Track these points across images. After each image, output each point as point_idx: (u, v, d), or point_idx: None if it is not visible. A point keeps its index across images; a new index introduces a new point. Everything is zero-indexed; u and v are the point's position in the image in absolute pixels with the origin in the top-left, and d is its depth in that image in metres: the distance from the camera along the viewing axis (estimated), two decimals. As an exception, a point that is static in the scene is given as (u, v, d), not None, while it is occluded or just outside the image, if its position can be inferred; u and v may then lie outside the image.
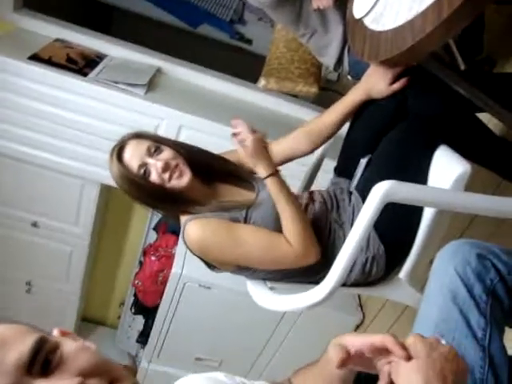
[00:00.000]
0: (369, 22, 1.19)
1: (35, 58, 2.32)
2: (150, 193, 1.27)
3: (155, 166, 1.23)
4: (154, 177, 1.23)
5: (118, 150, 1.26)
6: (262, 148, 1.24)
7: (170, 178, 1.24)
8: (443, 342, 0.66)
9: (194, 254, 1.30)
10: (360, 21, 1.25)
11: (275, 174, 1.25)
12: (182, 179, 1.25)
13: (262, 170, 1.25)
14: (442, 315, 0.85)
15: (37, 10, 2.61)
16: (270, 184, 1.25)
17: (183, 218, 1.29)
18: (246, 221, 1.28)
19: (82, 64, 2.41)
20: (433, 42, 0.87)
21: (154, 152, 1.25)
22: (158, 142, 1.29)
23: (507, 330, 0.90)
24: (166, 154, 1.26)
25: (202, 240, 1.24)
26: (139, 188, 1.26)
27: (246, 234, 1.25)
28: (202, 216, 1.25)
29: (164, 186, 1.25)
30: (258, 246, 1.25)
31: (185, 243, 1.28)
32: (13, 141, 2.49)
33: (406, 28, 0.92)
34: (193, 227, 1.24)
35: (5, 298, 3.37)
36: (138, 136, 1.30)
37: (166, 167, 1.23)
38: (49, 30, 2.55)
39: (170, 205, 1.31)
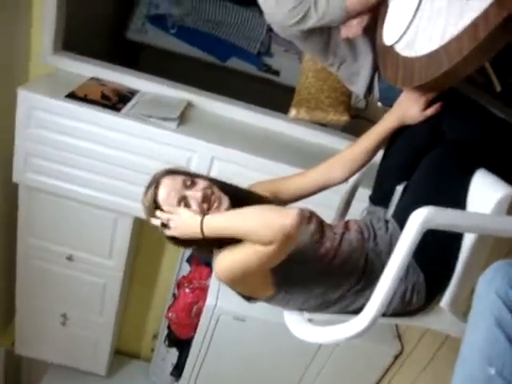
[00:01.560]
0: (400, 49, 1.19)
1: (72, 96, 2.40)
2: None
3: (194, 196, 1.22)
4: (194, 208, 1.22)
5: (154, 190, 1.25)
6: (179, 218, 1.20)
7: (209, 207, 1.23)
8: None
9: (228, 286, 1.28)
10: (391, 47, 1.26)
11: (201, 220, 1.18)
12: (222, 206, 1.24)
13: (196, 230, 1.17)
14: (488, 342, 0.81)
15: (74, 51, 2.71)
16: (208, 228, 1.17)
17: (215, 253, 1.27)
18: None
19: (116, 100, 2.48)
20: (469, 65, 0.86)
21: (190, 185, 1.25)
22: (191, 175, 1.29)
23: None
24: (202, 184, 1.26)
25: (227, 265, 1.19)
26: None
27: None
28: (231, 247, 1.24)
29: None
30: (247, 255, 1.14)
31: (216, 276, 1.26)
32: (50, 176, 2.56)
33: (441, 52, 0.91)
34: (219, 259, 1.21)
35: (40, 329, 3.41)
36: (171, 172, 1.29)
37: (205, 197, 1.23)
38: (84, 70, 2.64)
39: (206, 243, 1.25)
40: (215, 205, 1.23)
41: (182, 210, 1.21)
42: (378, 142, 1.42)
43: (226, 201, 1.25)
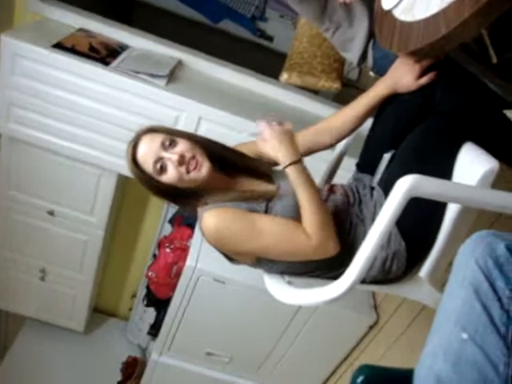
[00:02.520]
0: (398, 13, 1.17)
1: (59, 46, 2.33)
2: (168, 190, 1.25)
3: (170, 159, 1.21)
4: (170, 171, 1.21)
5: (133, 148, 1.24)
6: (285, 137, 1.22)
7: (188, 170, 1.21)
8: None
9: (212, 245, 1.28)
10: (389, 12, 1.23)
11: (297, 162, 1.21)
12: (201, 171, 1.22)
13: (283, 159, 1.21)
14: (464, 309, 0.83)
15: (63, 0, 2.62)
16: (292, 172, 1.20)
17: (200, 209, 1.27)
18: (266, 212, 1.25)
19: (105, 54, 2.41)
20: (468, 29, 0.84)
21: (168, 145, 1.22)
22: (172, 135, 1.26)
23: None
24: (182, 146, 1.23)
25: (220, 229, 1.20)
26: (156, 186, 1.24)
27: (263, 223, 1.22)
28: (219, 205, 1.24)
29: (181, 183, 1.23)
30: (276, 235, 1.21)
31: (202, 233, 1.26)
32: (32, 127, 2.50)
33: (440, 16, 0.90)
34: (210, 216, 1.21)
35: (18, 283, 3.41)
36: (151, 130, 1.27)
37: (181, 160, 1.21)
38: (73, 20, 2.55)
39: (189, 199, 1.28)
40: (192, 167, 1.22)
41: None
42: (368, 108, 1.40)
43: (206, 165, 1.23)
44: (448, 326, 0.82)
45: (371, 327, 2.68)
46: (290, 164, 1.20)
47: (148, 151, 1.22)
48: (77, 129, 2.48)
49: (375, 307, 2.70)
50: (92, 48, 2.40)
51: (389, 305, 2.57)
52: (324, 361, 2.90)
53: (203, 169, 1.23)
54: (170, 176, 1.21)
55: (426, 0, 1.03)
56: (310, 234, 1.19)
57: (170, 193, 1.27)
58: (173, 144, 1.23)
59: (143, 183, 1.26)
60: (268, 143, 1.23)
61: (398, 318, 2.45)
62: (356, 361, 2.79)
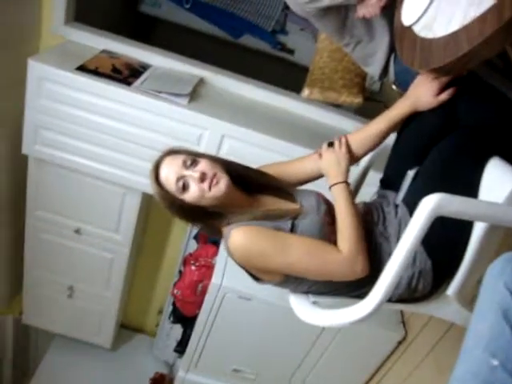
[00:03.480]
0: (419, 29, 1.16)
1: (82, 68, 2.37)
2: (190, 209, 1.25)
3: (192, 177, 1.22)
4: (192, 188, 1.22)
5: (155, 169, 1.26)
6: (343, 160, 1.36)
7: (210, 187, 1.22)
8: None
9: (239, 264, 1.27)
10: (409, 28, 1.22)
11: (346, 183, 1.31)
12: (220, 186, 1.23)
13: (333, 177, 1.33)
14: (494, 334, 0.80)
15: (86, 22, 2.68)
16: (339, 191, 1.29)
17: (225, 228, 1.27)
18: (292, 230, 1.25)
19: (127, 74, 2.45)
20: (491, 46, 0.83)
21: (190, 165, 1.24)
22: (193, 155, 1.27)
23: None
24: (203, 164, 1.24)
25: (248, 246, 1.20)
26: (179, 205, 1.24)
27: (292, 240, 1.22)
28: (245, 224, 1.23)
29: (203, 201, 1.23)
30: (305, 253, 1.21)
31: (228, 253, 1.25)
32: (58, 149, 2.55)
33: (462, 33, 0.88)
34: (237, 234, 1.20)
35: (47, 300, 3.45)
36: (173, 152, 1.29)
37: (203, 176, 1.21)
38: (96, 42, 2.61)
39: (212, 218, 1.28)
40: (213, 183, 1.22)
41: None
42: (390, 126, 1.40)
43: (224, 181, 1.24)
44: (477, 352, 0.80)
45: (399, 343, 2.63)
46: (338, 183, 1.30)
47: (170, 171, 1.23)
48: (101, 149, 2.52)
49: (403, 323, 2.64)
50: (114, 69, 2.44)
51: (417, 320, 2.52)
52: (351, 377, 2.85)
53: (222, 184, 1.23)
54: (192, 193, 1.22)
55: (447, 16, 1.02)
56: (343, 248, 1.21)
57: (193, 212, 1.27)
58: (194, 163, 1.24)
59: (167, 204, 1.26)
60: (325, 159, 1.37)
61: (427, 334, 2.40)
62: (384, 378, 2.73)
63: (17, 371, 3.81)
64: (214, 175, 1.23)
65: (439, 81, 1.27)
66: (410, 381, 2.41)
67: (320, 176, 1.44)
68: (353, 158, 1.43)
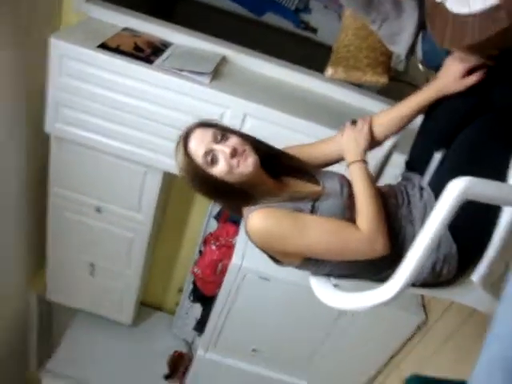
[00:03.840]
0: (452, 4, 1.11)
1: (104, 46, 2.36)
2: (215, 184, 1.23)
3: (223, 151, 1.20)
4: (221, 163, 1.20)
5: (184, 140, 1.23)
6: (361, 140, 1.35)
7: (238, 163, 1.21)
8: None
9: (258, 246, 1.26)
10: (441, 4, 1.17)
11: (363, 162, 1.31)
12: (249, 163, 1.21)
13: (351, 155, 1.33)
14: None
15: (107, 0, 2.65)
16: (356, 169, 1.29)
17: (246, 210, 1.25)
18: (312, 212, 1.23)
19: (149, 52, 2.43)
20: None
21: (220, 139, 1.22)
22: (224, 130, 1.26)
23: None
24: (233, 140, 1.23)
25: (268, 229, 1.19)
26: (204, 179, 1.22)
27: (311, 221, 1.20)
28: (265, 206, 1.22)
29: (230, 177, 1.21)
30: (325, 232, 1.19)
31: (248, 235, 1.24)
32: (80, 127, 2.55)
33: (501, 7, 0.83)
34: (257, 217, 1.19)
35: (69, 277, 3.50)
36: (204, 125, 1.27)
37: (234, 152, 1.20)
38: (118, 20, 2.57)
39: (235, 195, 1.27)
40: (242, 160, 1.21)
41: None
42: (416, 110, 1.38)
43: (253, 160, 1.22)
44: (506, 339, 0.78)
45: (419, 327, 2.60)
46: (355, 161, 1.31)
47: (200, 143, 1.22)
48: (122, 127, 2.51)
49: (424, 307, 2.62)
50: (136, 47, 2.42)
51: (437, 304, 2.50)
52: (370, 359, 2.85)
53: (250, 162, 1.22)
54: (221, 168, 1.20)
55: (482, -9, 0.97)
56: (362, 228, 1.19)
57: (216, 188, 1.25)
58: (224, 138, 1.23)
59: (191, 177, 1.24)
60: (346, 136, 1.37)
61: (447, 319, 2.38)
62: (403, 362, 2.72)
63: (41, 346, 3.91)
64: (243, 152, 1.22)
65: (467, 63, 1.23)
66: (428, 366, 2.40)
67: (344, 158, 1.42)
68: (374, 141, 1.41)
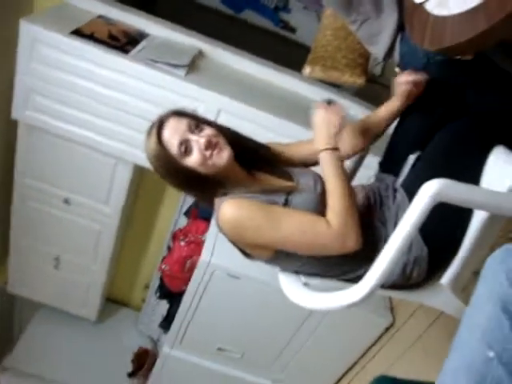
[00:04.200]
0: (431, 7, 1.10)
1: (78, 32, 2.30)
2: (188, 174, 1.20)
3: (197, 142, 1.18)
4: (195, 154, 1.18)
5: (158, 128, 1.20)
6: (336, 120, 1.22)
7: (211, 155, 1.19)
8: None
9: (229, 237, 1.23)
10: (421, 6, 1.17)
11: (334, 149, 1.20)
12: (223, 156, 1.19)
13: (322, 140, 1.21)
14: (491, 325, 0.78)
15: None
16: (327, 158, 1.20)
17: (218, 200, 1.22)
18: (285, 205, 1.21)
19: (124, 41, 2.38)
20: (510, 26, 0.78)
21: (195, 129, 1.20)
22: (198, 120, 1.24)
23: None
24: (208, 131, 1.21)
25: (238, 219, 1.16)
26: (177, 169, 1.20)
27: (283, 214, 1.18)
28: (237, 196, 1.19)
29: (203, 168, 1.19)
30: (296, 225, 1.17)
31: (218, 225, 1.22)
32: (50, 115, 2.48)
33: (480, 9, 0.83)
34: (228, 206, 1.16)
35: (33, 270, 3.41)
36: (178, 113, 1.24)
37: (208, 144, 1.18)
38: (93, 6, 2.52)
39: (206, 186, 1.24)
40: (215, 152, 1.19)
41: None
42: (392, 116, 1.40)
43: (228, 150, 1.21)
44: (472, 343, 0.78)
45: (387, 329, 2.62)
46: (326, 149, 1.20)
47: (174, 132, 1.19)
48: (94, 117, 2.45)
49: (391, 309, 2.64)
50: (111, 36, 2.37)
51: (405, 308, 2.51)
52: (338, 360, 2.85)
53: (224, 154, 1.20)
54: (194, 158, 1.18)
55: (463, -7, 0.97)
56: (333, 222, 1.15)
57: (188, 179, 1.23)
58: (199, 128, 1.21)
59: (163, 167, 1.21)
60: (318, 115, 1.24)
61: (415, 322, 2.39)
62: (370, 363, 2.73)
63: (1, 339, 3.79)
64: (217, 144, 1.20)
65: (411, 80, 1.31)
66: (395, 368, 2.41)
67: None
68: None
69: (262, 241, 1.20)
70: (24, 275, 3.45)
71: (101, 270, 3.37)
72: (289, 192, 1.23)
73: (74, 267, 3.36)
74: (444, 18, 1.01)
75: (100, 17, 2.50)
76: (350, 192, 1.19)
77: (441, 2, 1.07)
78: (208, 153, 1.18)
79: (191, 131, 1.19)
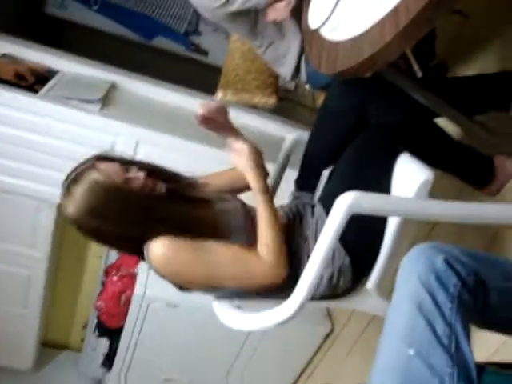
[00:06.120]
0: (326, 33, 1.18)
1: (-19, 75, 2.22)
2: (134, 203, 1.19)
3: (138, 177, 1.19)
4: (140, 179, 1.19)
5: (89, 170, 1.17)
6: (255, 157, 1.26)
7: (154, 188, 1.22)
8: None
9: (161, 275, 1.23)
10: (316, 31, 1.24)
11: (267, 189, 1.25)
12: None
13: (254, 181, 1.24)
14: (409, 325, 0.84)
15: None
16: (262, 209, 1.23)
17: (146, 244, 1.21)
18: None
19: (32, 80, 2.32)
20: (391, 51, 0.85)
21: (126, 169, 1.20)
22: (126, 164, 1.23)
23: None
24: (140, 173, 1.21)
25: (168, 256, 1.17)
26: (123, 197, 1.18)
27: (212, 248, 1.20)
28: (164, 236, 1.20)
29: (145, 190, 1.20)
30: (226, 259, 1.19)
31: (150, 265, 1.21)
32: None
33: (364, 38, 0.90)
34: (157, 245, 1.17)
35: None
36: (104, 158, 1.22)
37: (147, 175, 1.21)
38: (-4, 46, 2.45)
39: (140, 224, 1.21)
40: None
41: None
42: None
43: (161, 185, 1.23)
44: (395, 343, 0.83)
45: (327, 335, 2.68)
46: (262, 201, 1.24)
47: (112, 172, 1.18)
48: (9, 161, 2.37)
49: (329, 316, 2.71)
50: (18, 75, 2.31)
51: (342, 313, 2.59)
52: (283, 374, 2.89)
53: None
54: (141, 179, 1.18)
55: (351, 20, 1.04)
56: (268, 259, 1.19)
57: (135, 211, 1.20)
58: (128, 169, 1.21)
59: (103, 204, 1.18)
60: (237, 163, 1.28)
61: (352, 325, 2.47)
62: (315, 370, 2.78)
63: None
64: (155, 185, 1.21)
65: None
66: (341, 371, 2.47)
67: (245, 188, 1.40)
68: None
69: (195, 276, 1.22)
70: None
71: (33, 315, 3.23)
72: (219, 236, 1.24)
73: (4, 315, 3.20)
74: (336, 44, 1.08)
75: (4, 56, 2.42)
76: (279, 227, 1.23)
77: (333, 28, 1.15)
78: (150, 183, 1.20)
79: (125, 171, 1.19)
